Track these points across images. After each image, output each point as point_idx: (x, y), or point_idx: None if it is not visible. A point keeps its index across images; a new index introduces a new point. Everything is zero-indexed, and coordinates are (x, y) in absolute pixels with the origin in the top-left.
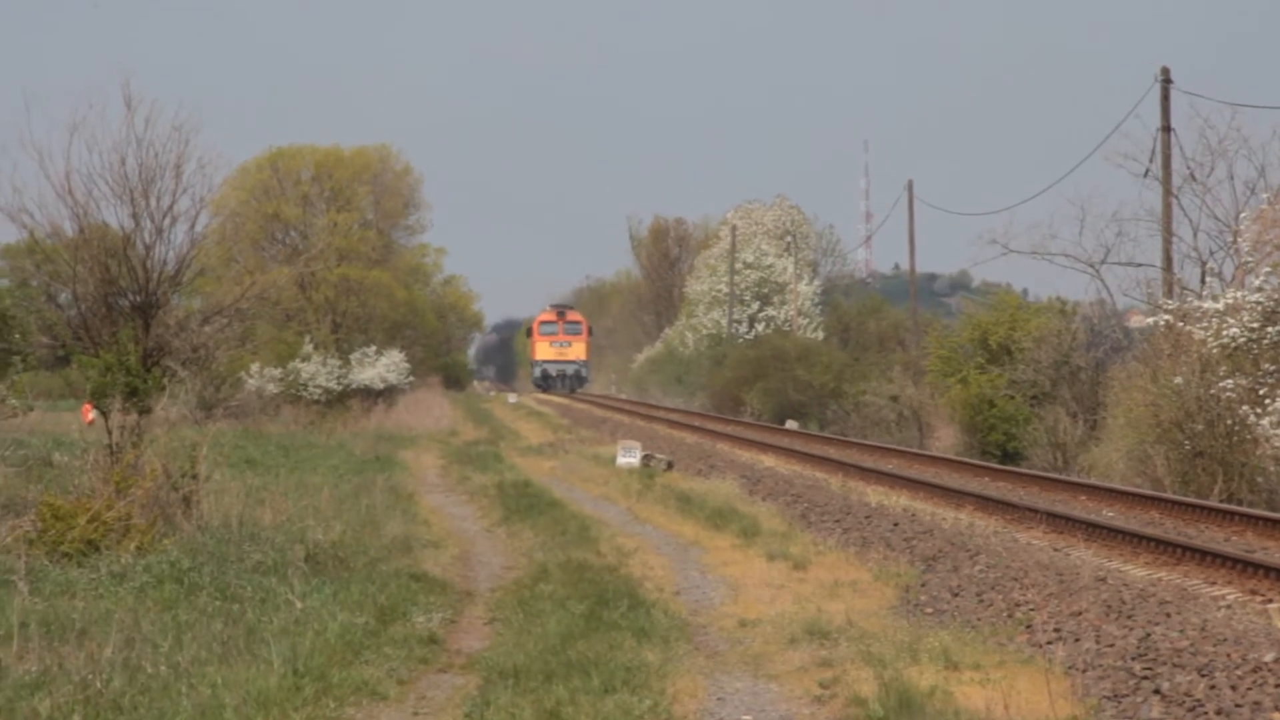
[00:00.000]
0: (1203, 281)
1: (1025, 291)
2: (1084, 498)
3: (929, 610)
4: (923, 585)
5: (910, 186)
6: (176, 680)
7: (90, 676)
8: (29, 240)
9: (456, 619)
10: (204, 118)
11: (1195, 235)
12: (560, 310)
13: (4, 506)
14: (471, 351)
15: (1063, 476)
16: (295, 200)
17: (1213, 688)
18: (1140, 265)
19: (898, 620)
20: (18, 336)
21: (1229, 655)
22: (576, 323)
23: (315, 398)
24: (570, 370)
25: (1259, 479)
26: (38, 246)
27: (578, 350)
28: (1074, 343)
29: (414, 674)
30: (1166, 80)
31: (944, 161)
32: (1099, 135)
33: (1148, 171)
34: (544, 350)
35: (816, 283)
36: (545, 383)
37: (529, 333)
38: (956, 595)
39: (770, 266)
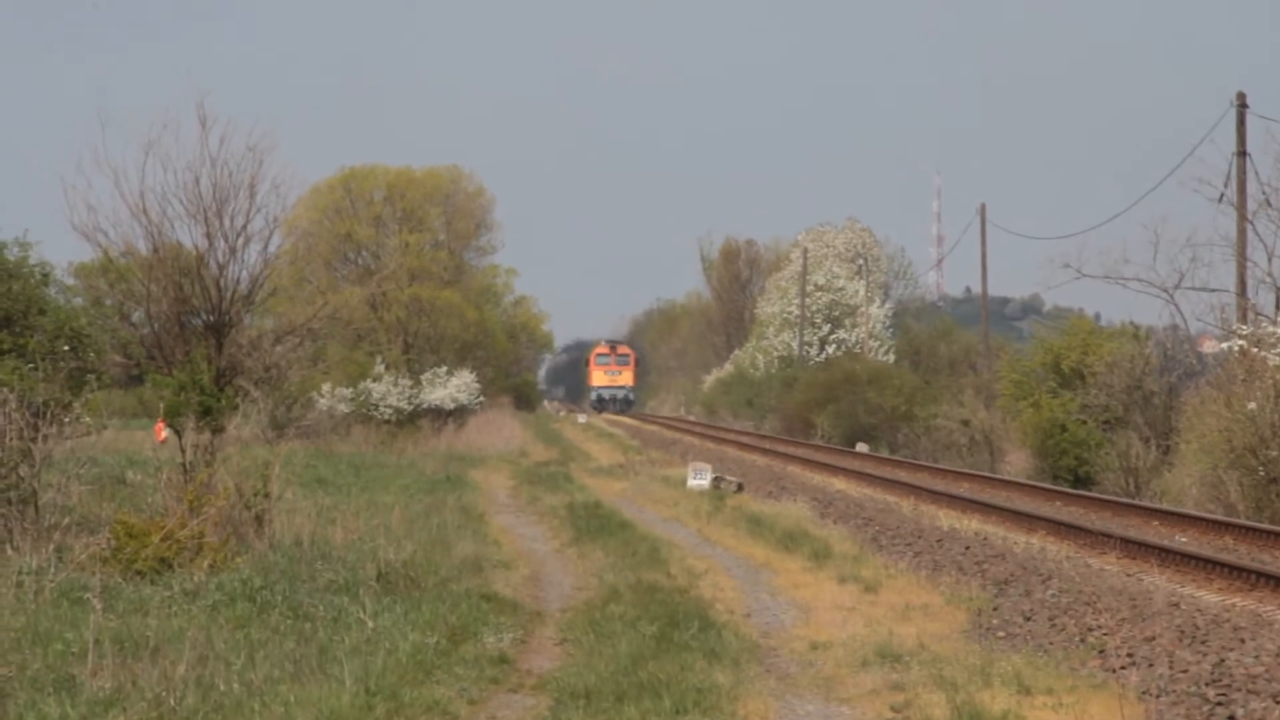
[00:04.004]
0: (1277, 307)
1: (1098, 316)
2: (1157, 523)
3: (1001, 634)
4: (995, 609)
5: (983, 210)
6: (249, 698)
7: (164, 694)
8: (103, 259)
9: (527, 639)
10: (277, 137)
11: (1270, 260)
12: (612, 344)
13: (78, 524)
14: (541, 372)
15: (1135, 502)
16: (367, 220)
17: None
18: (1214, 290)
19: (969, 644)
20: (92, 355)
21: None
22: (625, 354)
23: (386, 417)
24: (620, 395)
25: None
26: (112, 265)
27: (626, 378)
28: (1147, 367)
29: (485, 694)
30: (1242, 105)
31: (1016, 185)
32: (1174, 160)
33: (1222, 196)
34: (599, 378)
35: (887, 305)
36: (600, 405)
37: (586, 363)
38: (1029, 619)
39: (841, 289)
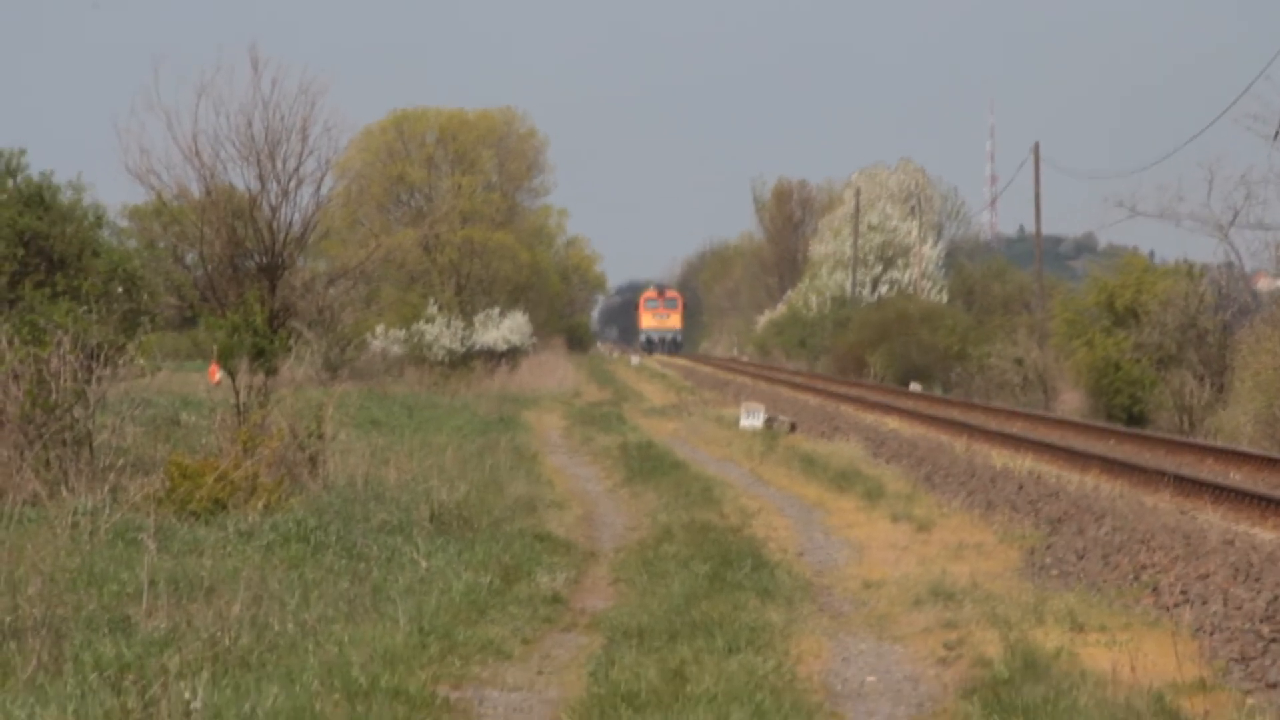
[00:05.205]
0: None
1: (1152, 254)
2: (1211, 461)
3: (1054, 572)
4: (1048, 547)
5: (1036, 149)
6: (304, 638)
7: (219, 633)
8: (156, 201)
9: (580, 579)
10: (330, 79)
11: None
12: (660, 289)
13: (133, 465)
14: (595, 313)
15: (1189, 439)
16: (420, 163)
17: None
18: (1269, 228)
19: (1023, 582)
20: (145, 297)
21: None
22: (673, 299)
23: (439, 359)
24: (669, 337)
25: None
26: (165, 208)
27: (674, 321)
28: (1201, 305)
29: (538, 633)
30: None
31: (1070, 123)
32: (1228, 97)
33: (1277, 134)
34: (648, 320)
35: (940, 245)
36: (649, 347)
37: (636, 307)
38: (1082, 558)
39: (894, 229)
